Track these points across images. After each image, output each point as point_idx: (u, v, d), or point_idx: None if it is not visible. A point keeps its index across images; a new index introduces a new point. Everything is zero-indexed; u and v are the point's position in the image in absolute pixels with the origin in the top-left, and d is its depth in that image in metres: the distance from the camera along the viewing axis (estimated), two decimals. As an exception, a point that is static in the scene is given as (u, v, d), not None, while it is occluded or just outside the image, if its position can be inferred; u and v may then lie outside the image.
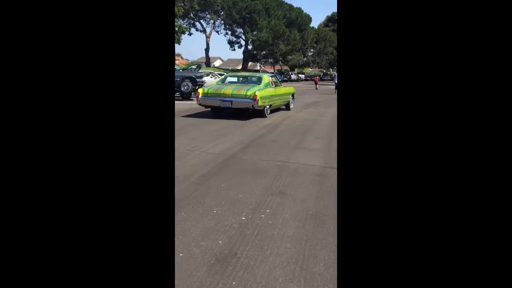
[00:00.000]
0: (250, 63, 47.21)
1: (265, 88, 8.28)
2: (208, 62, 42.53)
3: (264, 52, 40.29)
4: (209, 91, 8.12)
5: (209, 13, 39.27)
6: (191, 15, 38.81)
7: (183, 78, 12.84)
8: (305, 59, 48.08)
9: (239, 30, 40.66)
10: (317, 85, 26.07)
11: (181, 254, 2.02)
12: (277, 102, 9.15)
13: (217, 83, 9.35)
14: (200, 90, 8.29)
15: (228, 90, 7.95)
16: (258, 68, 51.20)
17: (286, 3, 41.35)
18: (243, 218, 2.55)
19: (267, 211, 2.69)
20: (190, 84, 12.87)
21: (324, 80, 40.86)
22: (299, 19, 40.51)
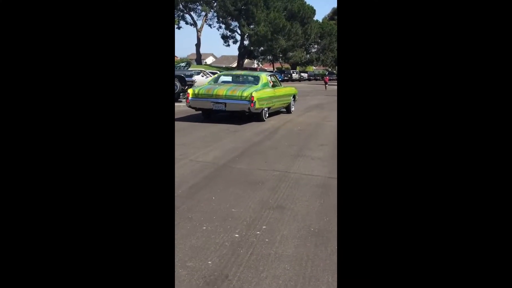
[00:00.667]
0: (246, 61, 47.43)
1: (263, 89, 8.33)
2: (199, 59, 42.67)
3: (262, 48, 40.46)
4: (200, 92, 8.16)
5: (200, 4, 39.47)
6: (180, 6, 39.01)
7: None
8: (308, 56, 48.31)
9: (234, 23, 40.84)
10: (326, 85, 26.64)
11: (165, 276, 2.02)
12: (276, 104, 9.20)
13: (209, 82, 9.39)
14: (189, 91, 8.32)
15: (222, 90, 7.99)
16: (256, 66, 51.43)
17: (287, -6, 41.63)
18: (236, 235, 2.55)
19: (264, 227, 2.70)
20: (178, 84, 12.88)
21: (330, 79, 41.13)
22: (302, 12, 40.80)
